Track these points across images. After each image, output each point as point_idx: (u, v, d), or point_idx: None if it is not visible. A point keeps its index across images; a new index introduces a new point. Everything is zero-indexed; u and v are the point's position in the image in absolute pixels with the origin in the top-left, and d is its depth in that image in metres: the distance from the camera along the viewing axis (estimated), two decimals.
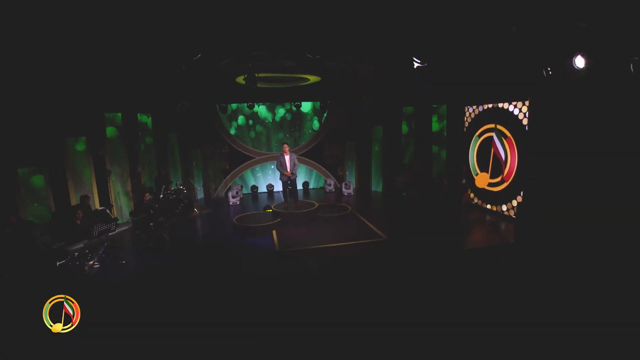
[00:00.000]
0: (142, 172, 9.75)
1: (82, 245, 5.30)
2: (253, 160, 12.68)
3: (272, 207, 8.75)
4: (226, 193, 11.54)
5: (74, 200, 7.54)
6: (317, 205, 8.75)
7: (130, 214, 7.89)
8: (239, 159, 12.56)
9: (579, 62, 5.11)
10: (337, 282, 5.58)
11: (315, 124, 12.89)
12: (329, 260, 6.44)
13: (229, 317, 4.38)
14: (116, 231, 6.09)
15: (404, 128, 11.42)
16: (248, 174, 12.78)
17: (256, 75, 6.92)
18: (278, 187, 11.32)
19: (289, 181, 8.54)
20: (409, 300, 4.87)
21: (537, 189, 7.44)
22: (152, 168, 10.26)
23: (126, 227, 6.61)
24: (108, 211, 8.05)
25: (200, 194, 11.85)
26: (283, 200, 8.94)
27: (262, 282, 5.61)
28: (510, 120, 8.18)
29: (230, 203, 11.04)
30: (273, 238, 7.39)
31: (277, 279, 5.77)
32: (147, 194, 7.88)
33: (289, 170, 8.41)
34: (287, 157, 8.39)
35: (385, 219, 8.77)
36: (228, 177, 12.56)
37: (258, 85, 9.74)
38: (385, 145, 11.82)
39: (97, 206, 8.35)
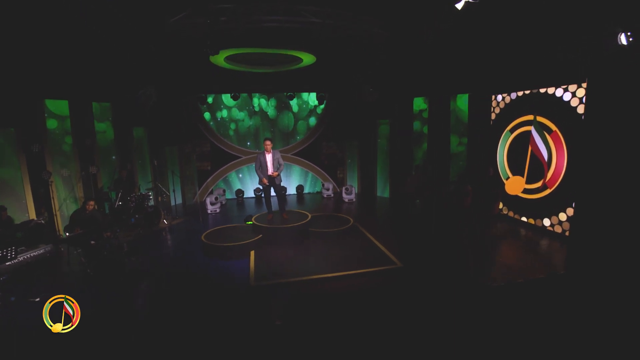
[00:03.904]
0: (97, 173, 7.98)
1: None
2: (239, 160, 10.90)
3: (253, 219, 6.95)
4: (207, 198, 9.77)
5: None
6: (309, 216, 6.96)
7: (65, 228, 6.12)
8: (222, 159, 10.78)
9: None
10: (334, 332, 3.81)
11: (312, 120, 11.11)
12: (321, 297, 4.67)
13: None
14: (18, 258, 4.30)
15: (416, 123, 9.64)
16: (233, 175, 11.00)
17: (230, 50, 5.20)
18: None
19: (271, 185, 6.78)
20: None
21: (598, 199, 5.65)
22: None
23: (42, 250, 4.79)
24: (42, 221, 6.30)
25: (177, 200, 10.08)
26: (267, 210, 7.14)
27: (229, 332, 3.86)
28: (556, 109, 6.38)
29: (209, 211, 9.25)
30: (250, 263, 5.61)
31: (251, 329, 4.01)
32: (92, 202, 6.10)
33: (271, 170, 6.61)
34: (269, 157, 6.60)
35: (396, 235, 7.00)
36: (210, 179, 10.79)
37: (243, 69, 8.06)
38: (393, 143, 10.03)
39: (33, 217, 6.66)
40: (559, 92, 6.29)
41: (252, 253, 5.91)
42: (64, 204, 7.46)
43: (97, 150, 8.05)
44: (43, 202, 6.96)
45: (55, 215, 7.17)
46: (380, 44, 5.63)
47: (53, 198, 7.11)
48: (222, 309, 4.37)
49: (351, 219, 7.29)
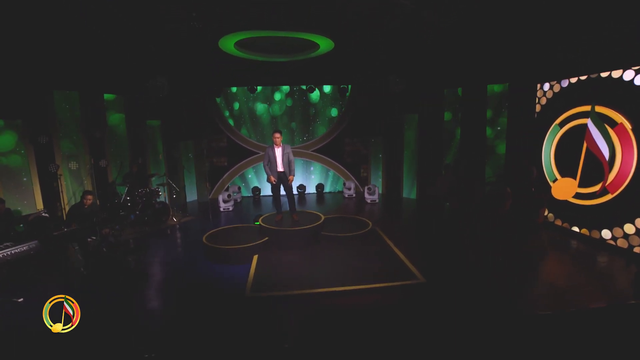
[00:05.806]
0: (107, 167, 7.76)
1: None
2: (257, 155, 10.41)
3: (260, 219, 6.36)
4: (219, 196, 9.36)
5: None
6: (323, 218, 6.27)
7: (63, 223, 5.84)
8: (239, 154, 10.34)
9: None
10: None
11: (334, 111, 10.40)
12: (325, 314, 3.97)
13: None
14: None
15: (447, 116, 8.65)
16: (250, 172, 10.54)
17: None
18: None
19: (281, 184, 6.17)
20: None
21: None
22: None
23: (26, 247, 4.47)
24: (45, 214, 6.10)
25: (192, 197, 9.78)
26: (275, 210, 6.55)
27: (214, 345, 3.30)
28: (624, 96, 5.24)
29: (221, 209, 8.82)
30: (251, 269, 5.01)
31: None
32: (90, 197, 5.77)
33: (280, 167, 6.02)
34: (278, 151, 5.98)
35: (421, 243, 6.15)
36: (226, 175, 10.39)
37: (257, 58, 7.50)
38: (422, 140, 9.10)
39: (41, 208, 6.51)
40: (628, 74, 5.14)
41: (255, 258, 5.32)
42: (73, 198, 7.28)
43: (106, 140, 7.82)
44: (51, 196, 6.81)
45: (64, 209, 6.99)
46: (400, 23, 4.81)
47: (62, 192, 6.93)
48: (212, 319, 3.80)
49: (370, 223, 6.52)
